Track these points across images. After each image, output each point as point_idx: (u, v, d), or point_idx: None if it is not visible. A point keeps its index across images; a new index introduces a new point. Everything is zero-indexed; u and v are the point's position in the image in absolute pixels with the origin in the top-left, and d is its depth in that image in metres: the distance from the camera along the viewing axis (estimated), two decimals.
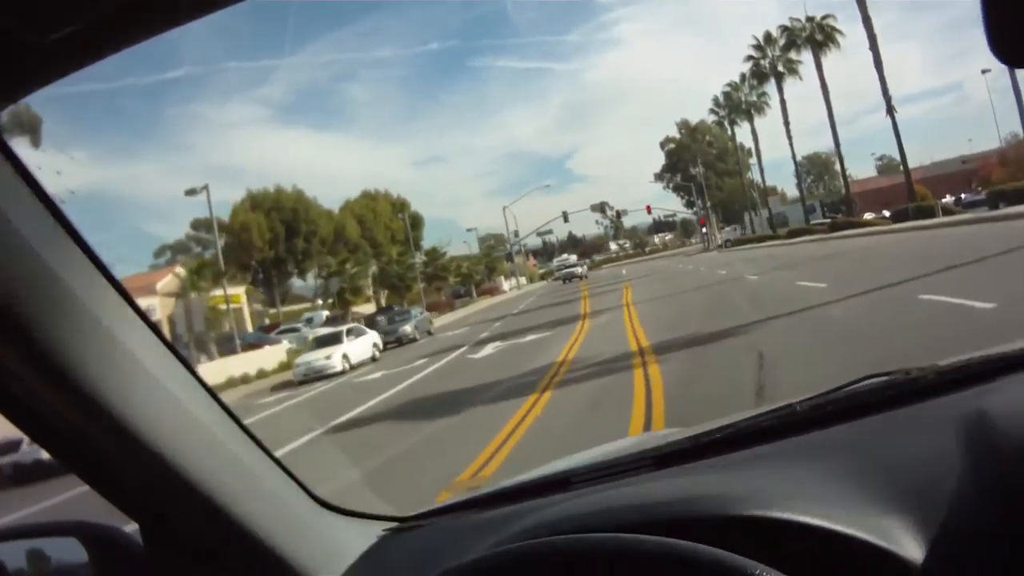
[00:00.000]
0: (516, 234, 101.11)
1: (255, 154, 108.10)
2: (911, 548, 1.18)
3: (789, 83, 70.12)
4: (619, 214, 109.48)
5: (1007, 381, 1.57)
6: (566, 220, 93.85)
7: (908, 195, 54.46)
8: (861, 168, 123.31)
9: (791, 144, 70.04)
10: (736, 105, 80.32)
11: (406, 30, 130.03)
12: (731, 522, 1.31)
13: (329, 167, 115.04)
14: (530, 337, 24.96)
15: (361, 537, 1.81)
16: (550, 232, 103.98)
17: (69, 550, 1.53)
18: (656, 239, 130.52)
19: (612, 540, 1.20)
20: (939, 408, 1.57)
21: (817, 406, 1.75)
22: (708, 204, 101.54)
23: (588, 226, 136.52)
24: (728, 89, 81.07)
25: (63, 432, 1.24)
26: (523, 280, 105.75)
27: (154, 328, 1.33)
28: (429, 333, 40.38)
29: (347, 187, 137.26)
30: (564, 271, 76.78)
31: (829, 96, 61.52)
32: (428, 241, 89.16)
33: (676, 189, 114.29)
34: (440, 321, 52.19)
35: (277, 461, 1.63)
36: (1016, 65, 0.91)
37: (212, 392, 1.45)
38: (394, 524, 1.90)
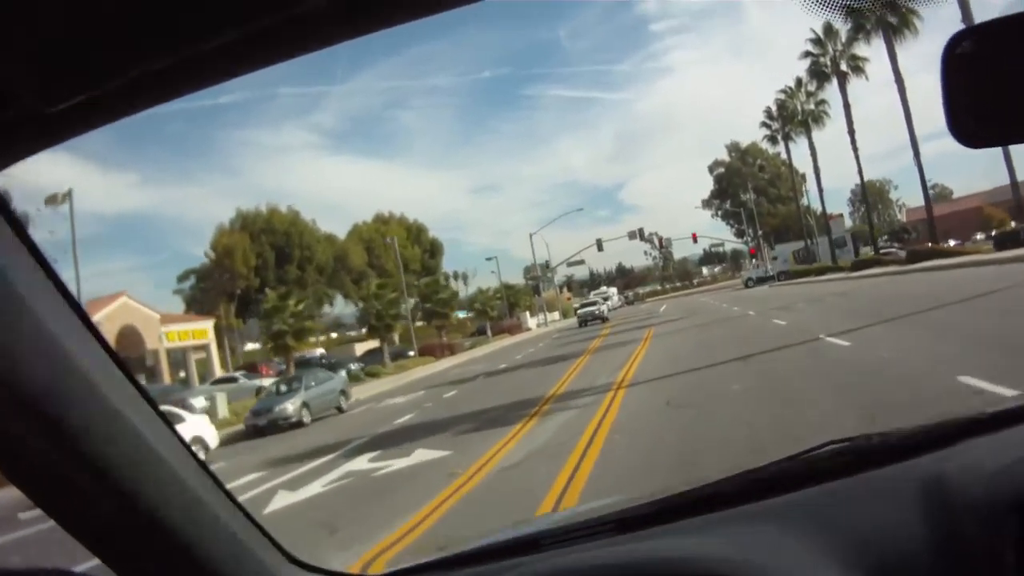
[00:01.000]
0: (547, 264, 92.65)
1: (305, 179, 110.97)
2: None
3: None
4: (662, 243, 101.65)
5: (966, 446, 1.61)
6: (600, 249, 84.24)
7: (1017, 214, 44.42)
8: (911, 198, 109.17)
9: (856, 153, 59.66)
10: (791, 115, 71.55)
11: (459, 58, 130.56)
12: None
13: (378, 194, 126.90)
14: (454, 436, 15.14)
15: None
16: (581, 262, 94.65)
17: None
18: (705, 271, 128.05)
19: None
20: (899, 473, 1.59)
21: (779, 471, 1.76)
22: (760, 232, 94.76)
23: (637, 258, 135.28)
24: (782, 97, 71.77)
25: (33, 470, 1.22)
26: (554, 316, 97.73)
27: (140, 387, 1.34)
28: (339, 410, 27.70)
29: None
30: (584, 310, 65.62)
31: (905, 91, 51.53)
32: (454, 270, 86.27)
33: (725, 216, 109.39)
34: (416, 373, 42.29)
35: (247, 514, 1.58)
36: (973, 146, 0.99)
37: (182, 439, 1.43)
38: None
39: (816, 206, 79.16)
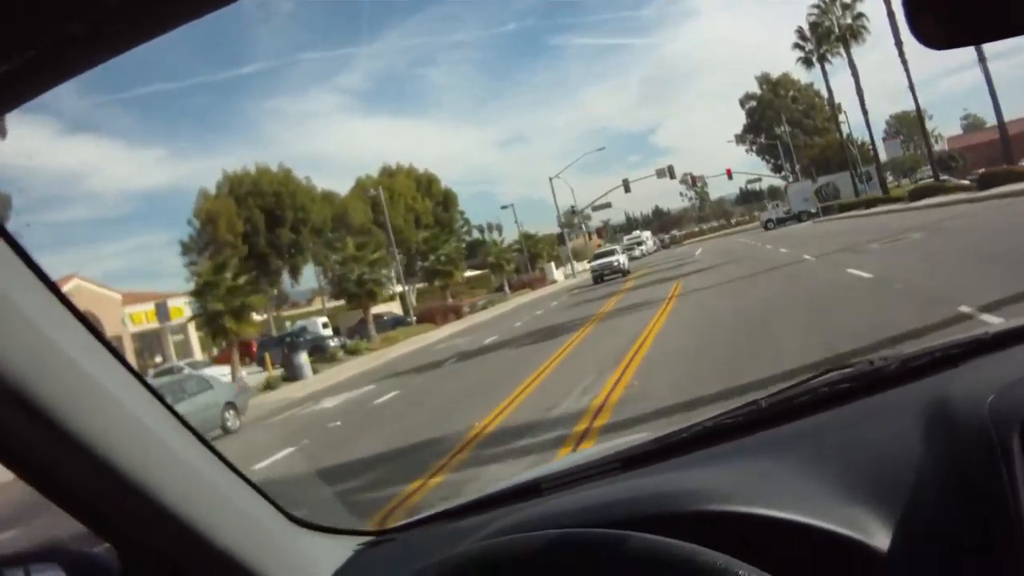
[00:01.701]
0: (573, 209, 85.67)
1: (336, 143, 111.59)
2: (878, 536, 1.20)
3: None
4: (695, 180, 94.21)
5: (969, 366, 1.58)
6: (627, 190, 77.60)
7: None
8: (946, 128, 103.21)
9: (906, 66, 52.17)
10: (826, 33, 64.32)
11: (482, 12, 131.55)
12: (699, 517, 1.31)
13: (407, 153, 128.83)
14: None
15: (336, 553, 1.79)
16: (608, 205, 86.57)
17: None
18: (741, 210, 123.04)
19: (583, 535, 1.23)
20: (902, 396, 1.57)
21: (781, 401, 1.74)
22: (796, 166, 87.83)
23: (673, 200, 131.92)
24: (815, 13, 63.92)
25: (37, 459, 1.25)
26: (583, 265, 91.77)
27: (116, 354, 1.34)
28: (225, 430, 20.03)
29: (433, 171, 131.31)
30: (598, 263, 53.03)
31: None
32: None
33: (760, 152, 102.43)
34: (401, 348, 35.92)
35: (249, 481, 1.59)
36: (934, 47, 0.95)
37: (179, 416, 1.46)
38: (368, 538, 1.89)
39: (855, 136, 73.62)
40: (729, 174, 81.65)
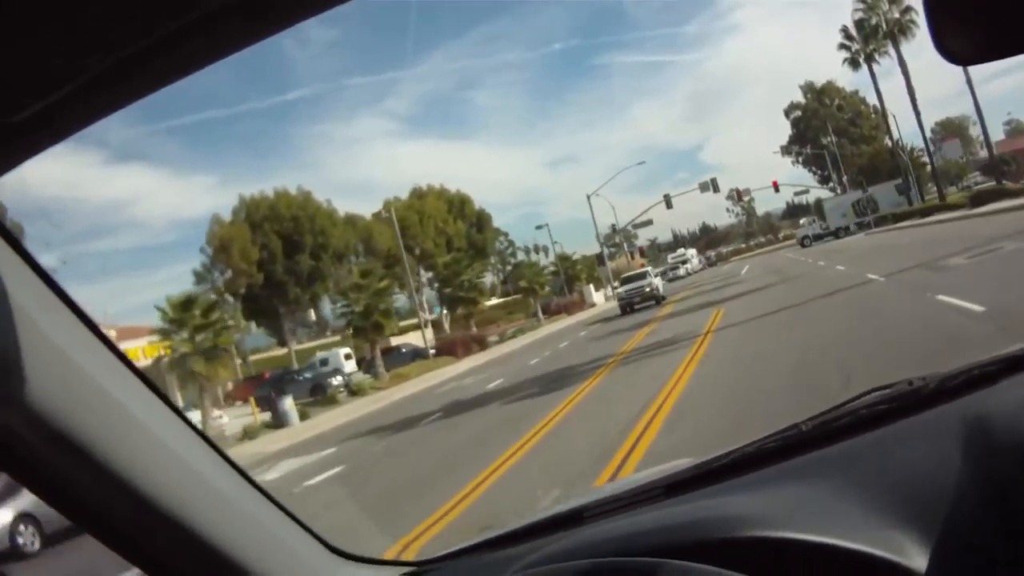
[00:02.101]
0: (614, 228, 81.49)
1: (380, 168, 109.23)
2: (916, 558, 1.19)
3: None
4: (740, 195, 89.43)
5: (1008, 383, 1.55)
6: (669, 205, 71.94)
7: None
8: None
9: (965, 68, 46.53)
10: (873, 30, 60.23)
11: (526, 33, 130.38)
12: (736, 544, 1.31)
13: (455, 176, 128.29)
14: None
15: None
16: (649, 223, 79.42)
17: None
18: (788, 224, 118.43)
19: (618, 563, 1.25)
20: (941, 416, 1.55)
21: (821, 424, 1.73)
22: (844, 176, 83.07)
23: (720, 216, 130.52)
24: (861, 8, 59.98)
25: (70, 487, 1.25)
26: None
27: (148, 382, 1.35)
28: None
29: (481, 193, 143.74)
30: (627, 290, 44.89)
31: None
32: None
33: (806, 163, 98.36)
34: (408, 388, 32.49)
35: (289, 513, 1.60)
36: (958, 63, 0.96)
37: (218, 448, 1.46)
38: (410, 569, 1.88)
39: (905, 143, 69.33)
40: (776, 186, 76.48)
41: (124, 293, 77.71)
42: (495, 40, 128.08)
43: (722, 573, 1.10)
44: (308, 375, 39.79)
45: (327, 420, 27.19)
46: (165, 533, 1.28)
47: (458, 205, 70.73)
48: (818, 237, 67.90)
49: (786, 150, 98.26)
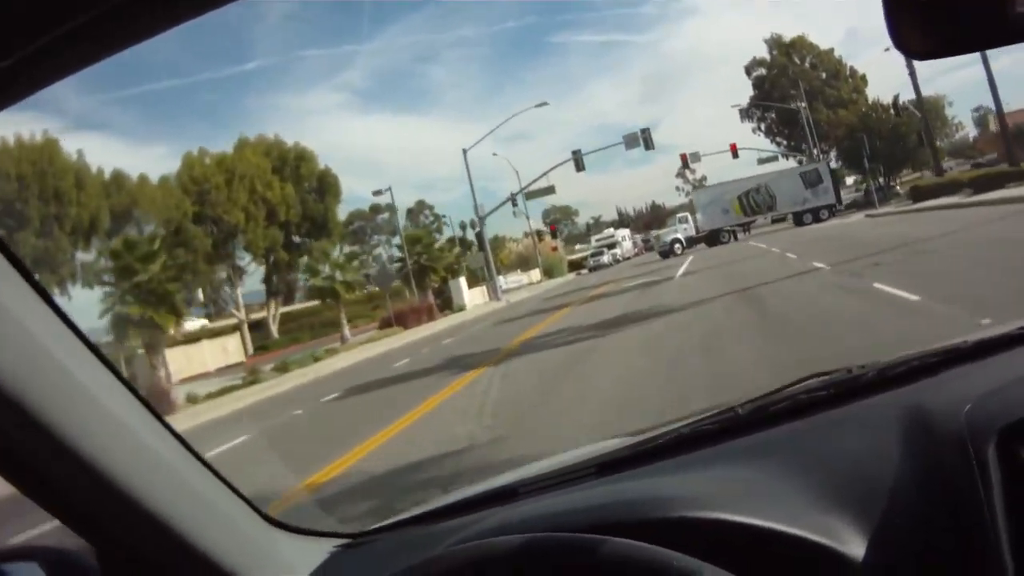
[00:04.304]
0: (513, 198, 59.90)
1: (335, 140, 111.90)
2: (852, 544, 1.21)
3: None
4: (686, 161, 67.15)
5: (947, 375, 1.59)
6: (579, 167, 52.68)
7: None
8: (962, 116, 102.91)
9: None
10: None
11: (484, 9, 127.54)
12: (673, 523, 1.32)
13: (413, 150, 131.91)
14: None
15: (312, 555, 1.79)
16: (550, 190, 58.12)
17: (31, 574, 1.57)
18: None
19: (556, 539, 1.25)
20: (879, 405, 1.57)
21: (759, 408, 1.73)
22: (819, 146, 66.73)
23: (671, 196, 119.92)
24: None
25: (19, 458, 1.26)
26: (532, 276, 66.99)
27: (103, 359, 1.36)
28: None
29: (431, 168, 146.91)
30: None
31: None
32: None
33: (770, 132, 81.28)
34: None
35: (226, 481, 1.60)
36: (917, 57, 0.98)
37: (158, 415, 1.47)
38: (345, 541, 1.88)
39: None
40: (734, 151, 59.87)
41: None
42: (450, 15, 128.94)
43: (655, 550, 1.10)
44: None
45: None
46: (108, 502, 1.26)
47: (292, 161, 51.46)
48: (691, 241, 55.52)
49: (746, 113, 79.74)
